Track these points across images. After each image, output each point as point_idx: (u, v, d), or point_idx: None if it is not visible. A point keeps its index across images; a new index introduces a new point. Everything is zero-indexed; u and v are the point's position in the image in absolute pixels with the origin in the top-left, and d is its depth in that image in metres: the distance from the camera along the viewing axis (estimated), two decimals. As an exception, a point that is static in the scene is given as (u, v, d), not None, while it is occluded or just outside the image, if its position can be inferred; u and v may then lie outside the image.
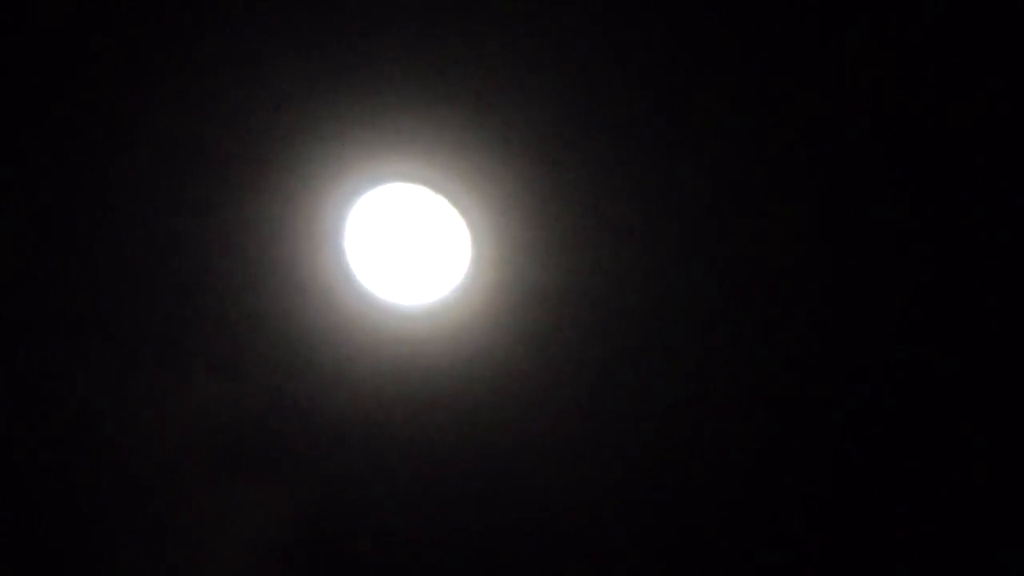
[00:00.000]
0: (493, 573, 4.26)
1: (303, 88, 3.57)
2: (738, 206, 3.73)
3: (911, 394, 3.97)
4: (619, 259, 3.78)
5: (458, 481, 4.10)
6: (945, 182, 3.69)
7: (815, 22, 3.50)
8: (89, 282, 3.85)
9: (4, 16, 3.52)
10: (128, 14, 3.52)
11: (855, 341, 3.90)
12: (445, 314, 3.82)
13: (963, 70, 3.56)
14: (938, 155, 3.66)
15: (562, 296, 3.81)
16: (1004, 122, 3.62)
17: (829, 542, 4.19)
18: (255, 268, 3.79)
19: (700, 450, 4.06)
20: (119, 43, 3.55)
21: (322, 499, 4.14)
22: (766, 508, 4.15)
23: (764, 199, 3.72)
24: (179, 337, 3.92)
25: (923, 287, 3.82)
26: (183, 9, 3.51)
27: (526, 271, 3.76)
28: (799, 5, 3.48)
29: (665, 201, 3.71)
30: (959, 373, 3.94)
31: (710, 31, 3.51)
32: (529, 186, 3.67)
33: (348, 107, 3.58)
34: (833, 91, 3.58)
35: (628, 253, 3.78)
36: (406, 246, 3.76)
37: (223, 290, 3.84)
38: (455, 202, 3.69)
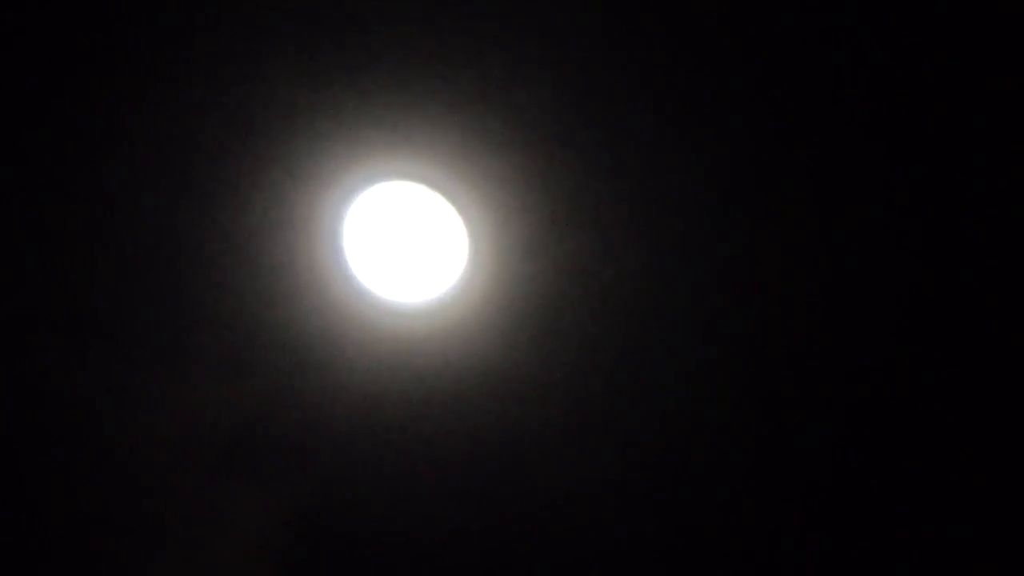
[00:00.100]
0: (492, 572, 4.26)
1: (301, 87, 3.58)
2: (738, 206, 3.73)
3: (911, 394, 3.97)
4: (618, 259, 3.78)
5: (456, 479, 4.11)
6: (944, 182, 3.69)
7: (815, 22, 3.51)
8: (89, 282, 3.86)
9: (4, 16, 3.53)
10: (127, 13, 3.53)
11: (855, 341, 3.90)
12: (443, 312, 3.82)
13: (962, 70, 3.56)
14: (937, 155, 3.66)
15: (559, 294, 3.81)
16: (1003, 122, 3.62)
17: (829, 542, 4.19)
18: (254, 267, 3.79)
19: (700, 450, 4.06)
20: (117, 43, 3.56)
21: (320, 497, 4.15)
22: (766, 508, 4.15)
23: (764, 199, 3.72)
24: (178, 336, 3.92)
25: (922, 287, 3.82)
26: (182, 9, 3.52)
27: (523, 269, 3.77)
28: (799, 5, 3.48)
29: (664, 201, 3.72)
30: (958, 373, 3.94)
31: (710, 32, 3.52)
32: (527, 185, 3.67)
33: (346, 105, 3.58)
34: (832, 91, 3.59)
35: (627, 253, 3.78)
36: (404, 244, 3.77)
37: (222, 289, 3.84)
38: (453, 200, 3.69)
